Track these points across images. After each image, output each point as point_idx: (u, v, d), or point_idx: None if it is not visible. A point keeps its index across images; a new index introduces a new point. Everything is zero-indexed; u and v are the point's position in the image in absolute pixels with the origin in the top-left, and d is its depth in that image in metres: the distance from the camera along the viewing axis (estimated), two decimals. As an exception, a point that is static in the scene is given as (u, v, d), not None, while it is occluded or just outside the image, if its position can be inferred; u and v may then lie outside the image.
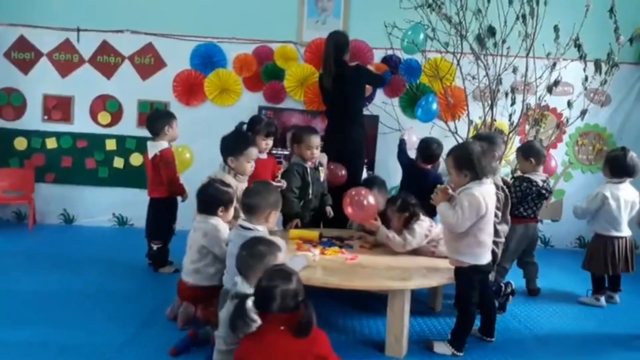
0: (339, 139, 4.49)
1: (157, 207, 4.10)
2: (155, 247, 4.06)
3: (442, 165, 4.40)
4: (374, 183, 3.79)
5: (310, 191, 3.90)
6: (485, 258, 2.78)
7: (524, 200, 3.76)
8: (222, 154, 3.56)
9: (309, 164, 3.93)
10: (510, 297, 3.48)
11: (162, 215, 4.07)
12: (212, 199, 3.15)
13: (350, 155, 4.46)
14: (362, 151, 4.64)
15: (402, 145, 4.35)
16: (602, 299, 3.81)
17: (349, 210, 3.37)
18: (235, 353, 2.13)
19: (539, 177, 3.80)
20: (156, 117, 4.21)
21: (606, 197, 3.72)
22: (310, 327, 2.03)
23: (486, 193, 2.69)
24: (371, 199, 3.36)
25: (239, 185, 3.41)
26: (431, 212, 3.47)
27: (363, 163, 4.65)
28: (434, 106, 4.79)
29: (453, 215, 2.64)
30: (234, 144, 3.52)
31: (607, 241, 3.75)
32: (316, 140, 3.92)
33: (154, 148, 4.04)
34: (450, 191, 2.76)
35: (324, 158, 4.30)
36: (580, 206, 3.86)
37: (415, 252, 3.32)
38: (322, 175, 4.05)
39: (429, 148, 4.04)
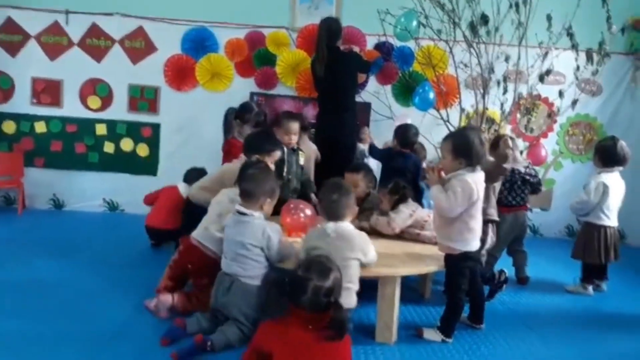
0: (330, 126, 4.47)
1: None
2: None
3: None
4: (360, 168, 3.80)
5: (286, 169, 3.87)
6: (475, 245, 2.80)
7: (511, 189, 3.81)
8: (247, 150, 3.51)
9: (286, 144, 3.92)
10: (504, 285, 3.51)
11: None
12: None
13: (340, 144, 4.44)
14: (353, 140, 4.61)
15: (371, 148, 4.42)
16: (590, 287, 3.86)
17: (287, 220, 3.26)
18: (255, 339, 2.06)
19: (520, 164, 3.84)
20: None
21: (607, 187, 3.73)
22: (342, 332, 1.96)
23: (478, 180, 2.72)
24: (308, 212, 3.29)
25: None
26: (416, 196, 3.57)
27: (354, 152, 4.62)
28: (431, 95, 4.79)
29: (446, 199, 2.66)
30: (263, 144, 3.50)
31: (601, 230, 3.78)
32: (294, 127, 3.91)
33: None
34: (442, 174, 2.78)
35: (313, 149, 4.30)
36: (581, 200, 3.80)
37: (401, 236, 3.38)
38: (302, 159, 4.04)
39: (406, 134, 4.12)
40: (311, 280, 1.98)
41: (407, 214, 3.35)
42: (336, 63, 4.45)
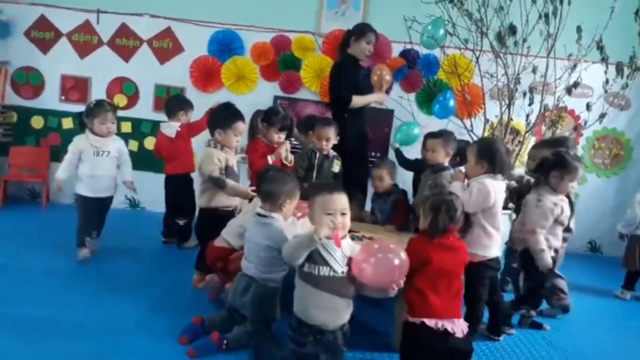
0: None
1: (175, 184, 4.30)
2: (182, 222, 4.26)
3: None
4: (384, 164, 3.79)
5: (314, 175, 3.85)
6: (494, 252, 2.80)
7: None
8: (210, 127, 3.57)
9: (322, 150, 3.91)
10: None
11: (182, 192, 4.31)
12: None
13: (345, 146, 4.15)
14: (360, 143, 4.45)
15: (398, 154, 4.27)
16: (628, 294, 4.18)
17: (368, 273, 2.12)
18: (411, 250, 2.30)
19: None
20: (174, 101, 4.58)
21: None
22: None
23: (497, 187, 2.75)
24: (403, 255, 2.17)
25: (228, 158, 3.46)
26: None
27: (359, 156, 4.49)
28: (452, 103, 4.73)
29: (462, 194, 2.69)
30: (223, 117, 3.54)
31: None
32: (326, 132, 3.87)
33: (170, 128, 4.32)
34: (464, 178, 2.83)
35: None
36: (628, 217, 4.23)
37: None
38: (337, 168, 4.01)
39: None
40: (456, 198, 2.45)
41: None
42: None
